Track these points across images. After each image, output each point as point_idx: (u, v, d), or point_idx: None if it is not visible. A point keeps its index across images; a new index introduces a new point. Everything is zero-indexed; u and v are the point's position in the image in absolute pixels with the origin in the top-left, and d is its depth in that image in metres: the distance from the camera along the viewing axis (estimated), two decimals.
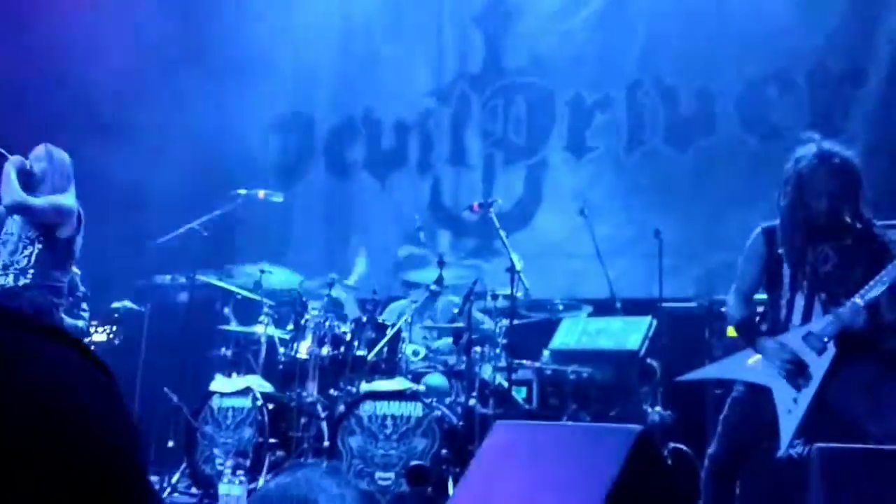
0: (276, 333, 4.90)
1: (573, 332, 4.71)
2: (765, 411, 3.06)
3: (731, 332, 4.41)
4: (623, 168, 6.17)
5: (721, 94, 5.99)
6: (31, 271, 4.17)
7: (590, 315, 4.92)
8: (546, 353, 4.66)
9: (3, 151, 4.23)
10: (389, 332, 4.51)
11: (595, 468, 2.47)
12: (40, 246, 4.21)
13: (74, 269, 5.31)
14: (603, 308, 5.00)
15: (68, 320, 5.11)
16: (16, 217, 4.25)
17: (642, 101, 6.20)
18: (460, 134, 6.80)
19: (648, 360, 4.56)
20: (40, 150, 4.36)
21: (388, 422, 4.31)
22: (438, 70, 6.92)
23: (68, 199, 4.27)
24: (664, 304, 4.83)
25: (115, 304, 5.94)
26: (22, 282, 4.16)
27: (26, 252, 4.20)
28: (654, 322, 4.57)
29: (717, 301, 4.56)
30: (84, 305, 5.34)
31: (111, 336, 5.99)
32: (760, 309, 4.11)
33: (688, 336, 4.72)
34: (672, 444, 4.31)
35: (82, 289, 5.44)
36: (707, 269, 5.68)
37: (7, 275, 4.17)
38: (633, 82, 6.23)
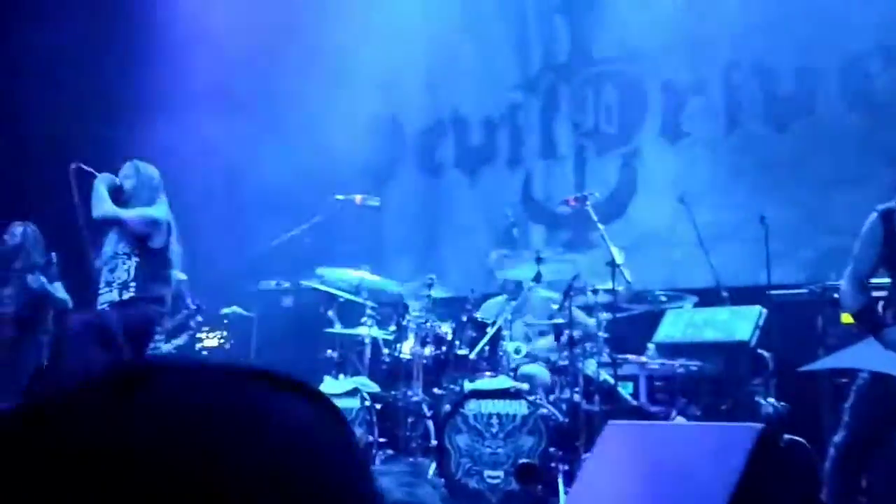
0: (380, 335, 4.99)
1: (678, 325, 4.61)
2: (892, 400, 2.94)
3: (845, 318, 4.25)
4: (721, 152, 6.00)
5: (821, 71, 5.74)
6: (133, 284, 4.38)
7: (695, 305, 4.80)
8: (651, 346, 4.58)
9: (91, 170, 4.44)
10: (490, 331, 4.53)
11: (716, 469, 2.42)
12: (137, 259, 4.41)
13: (181, 275, 5.54)
14: (708, 298, 4.87)
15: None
16: (111, 235, 4.46)
17: (738, 83, 6.01)
18: (550, 126, 6.75)
19: (759, 351, 4.42)
20: (129, 167, 4.56)
21: (494, 420, 4.32)
22: (524, 62, 6.88)
23: (157, 210, 4.46)
24: (772, 292, 4.68)
25: (225, 311, 6.17)
26: (126, 295, 4.37)
27: (125, 266, 4.41)
28: (764, 311, 4.43)
29: (829, 287, 4.40)
30: (199, 318, 5.57)
31: (222, 342, 6.23)
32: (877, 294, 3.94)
33: (799, 324, 4.56)
34: (788, 437, 4.18)
35: (189, 302, 5.64)
36: (816, 254, 5.48)
37: (112, 290, 4.38)
38: (728, 63, 6.05)
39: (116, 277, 4.39)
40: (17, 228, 5.45)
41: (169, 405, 0.45)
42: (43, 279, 5.37)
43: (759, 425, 2.45)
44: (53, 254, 5.52)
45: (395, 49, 7.08)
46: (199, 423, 0.44)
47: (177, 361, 0.50)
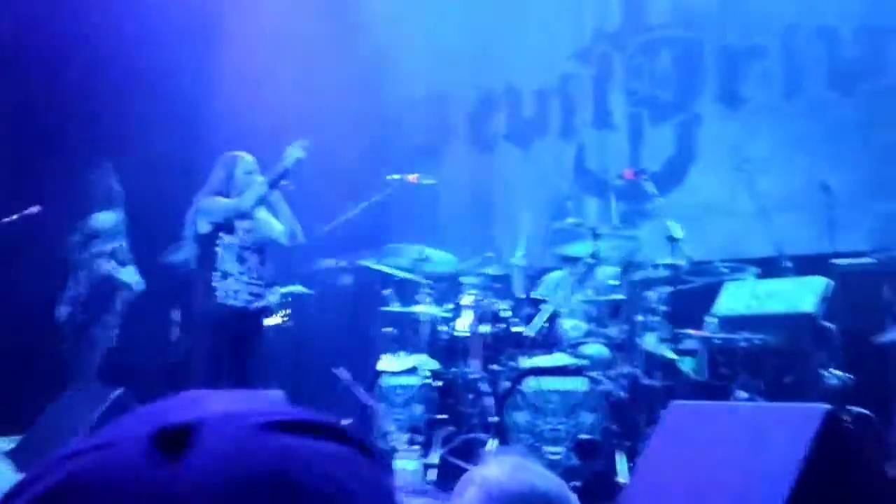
0: (437, 312, 5.03)
1: (740, 297, 4.53)
2: None
3: None
4: (783, 118, 5.83)
5: (887, 32, 5.52)
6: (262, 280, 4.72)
7: (756, 277, 4.72)
8: (712, 320, 4.51)
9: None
10: (548, 308, 4.52)
11: (781, 451, 2.39)
12: (260, 253, 4.71)
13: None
14: (770, 268, 4.78)
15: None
16: (224, 235, 4.59)
17: (800, 46, 5.82)
18: (603, 95, 6.64)
19: (824, 323, 4.33)
20: (246, 160, 4.74)
21: (554, 397, 4.33)
22: (576, 31, 6.77)
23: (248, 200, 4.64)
24: (837, 261, 4.56)
25: (286, 290, 6.27)
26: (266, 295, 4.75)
27: (256, 259, 4.68)
28: (830, 283, 4.33)
29: None
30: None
31: (285, 319, 6.35)
32: None
33: (865, 294, 4.45)
34: (855, 409, 4.10)
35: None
36: (882, 222, 5.31)
37: (258, 286, 4.66)
38: (789, 26, 5.85)
39: (251, 270, 4.61)
40: (100, 214, 5.58)
41: (212, 474, 0.46)
42: (112, 263, 5.53)
43: (825, 406, 2.41)
44: (123, 241, 5.67)
45: (444, 21, 7.03)
46: (242, 495, 0.45)
47: (218, 414, 0.50)
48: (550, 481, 1.30)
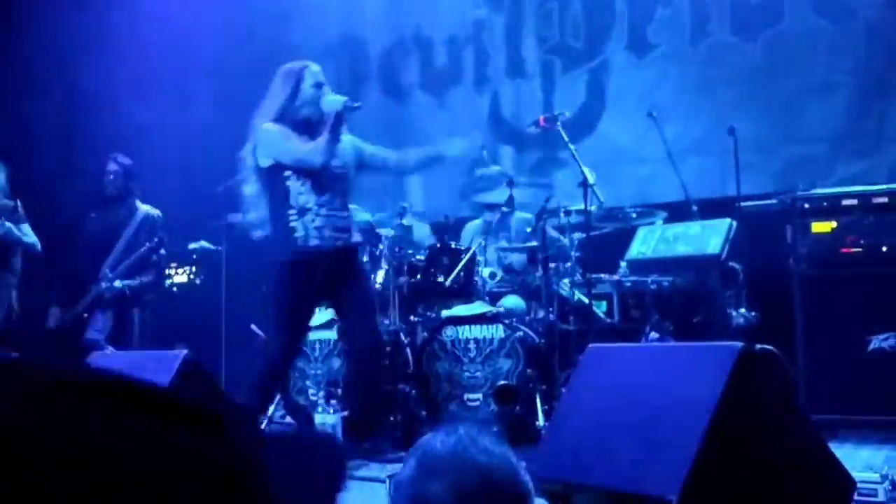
0: None
1: (650, 241, 4.62)
2: None
3: (816, 228, 4.29)
4: (689, 64, 5.92)
5: None
6: None
7: (665, 221, 4.82)
8: (623, 264, 4.60)
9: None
10: (464, 257, 4.51)
11: (697, 390, 2.44)
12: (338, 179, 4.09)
13: (158, 212, 5.45)
14: (678, 212, 4.88)
15: None
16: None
17: None
18: (515, 43, 6.59)
19: (730, 264, 4.46)
20: None
21: (472, 345, 4.36)
22: None
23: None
24: (742, 203, 4.69)
25: (192, 245, 6.07)
26: None
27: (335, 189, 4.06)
28: (734, 224, 4.45)
29: (799, 197, 4.42)
30: (162, 251, 5.48)
31: (192, 277, 6.15)
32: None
33: (770, 235, 4.59)
34: (760, 346, 4.26)
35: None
36: (786, 164, 5.49)
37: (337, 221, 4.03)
38: None
39: (332, 201, 3.96)
40: None
41: None
42: (8, 224, 5.27)
43: (738, 344, 2.47)
44: (18, 200, 5.41)
45: None
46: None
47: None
48: (494, 457, 1.26)
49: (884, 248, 4.09)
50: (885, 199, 4.15)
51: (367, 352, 4.06)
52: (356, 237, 4.12)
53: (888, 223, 4.10)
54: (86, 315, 5.25)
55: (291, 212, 3.88)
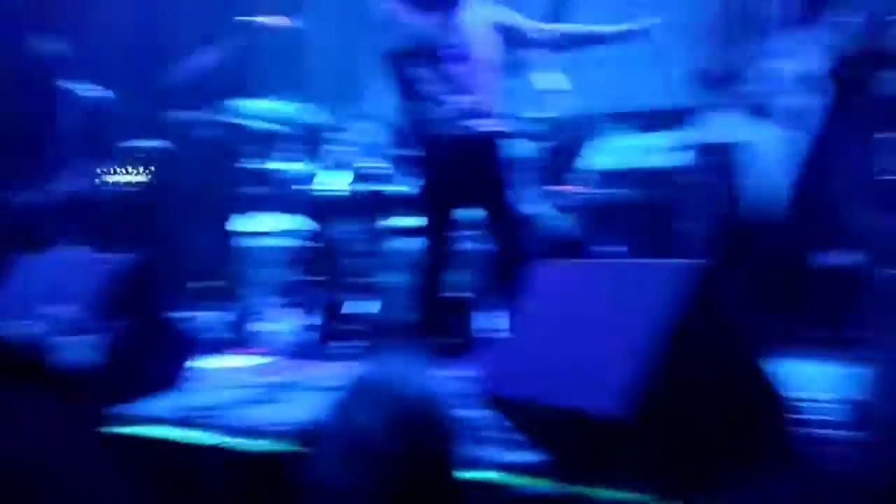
0: (307, 169, 4.76)
1: (612, 152, 4.52)
2: None
3: None
4: None
5: None
6: None
7: (631, 130, 4.68)
8: (584, 176, 4.49)
9: None
10: None
11: (648, 307, 2.37)
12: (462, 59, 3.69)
13: None
14: (647, 122, 4.72)
15: None
16: None
17: None
18: None
19: (691, 178, 4.37)
20: None
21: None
22: None
23: None
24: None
25: (137, 144, 5.77)
26: None
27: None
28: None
29: None
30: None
31: (137, 177, 5.87)
32: None
33: None
34: (706, 262, 4.22)
35: None
36: None
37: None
38: None
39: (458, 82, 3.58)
40: None
41: None
42: None
43: (699, 261, 2.40)
44: None
45: None
46: None
47: None
48: (424, 391, 1.30)
49: None
50: None
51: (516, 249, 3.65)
52: (495, 125, 3.64)
53: None
54: None
55: (420, 102, 3.53)
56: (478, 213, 3.78)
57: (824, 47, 2.94)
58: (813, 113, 2.95)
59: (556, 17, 4.26)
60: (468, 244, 4.17)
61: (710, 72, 3.24)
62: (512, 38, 3.71)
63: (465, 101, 3.48)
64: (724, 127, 3.13)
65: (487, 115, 3.55)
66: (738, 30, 3.25)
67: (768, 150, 3.02)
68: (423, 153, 3.58)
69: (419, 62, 3.47)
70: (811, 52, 2.98)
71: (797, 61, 3.03)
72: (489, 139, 3.58)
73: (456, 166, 3.51)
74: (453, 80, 3.46)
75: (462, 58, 3.51)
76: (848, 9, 2.92)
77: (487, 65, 3.60)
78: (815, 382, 3.16)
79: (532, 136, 4.48)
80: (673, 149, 4.17)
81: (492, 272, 3.95)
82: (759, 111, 3.06)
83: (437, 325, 3.71)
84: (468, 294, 4.13)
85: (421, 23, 3.43)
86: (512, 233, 3.63)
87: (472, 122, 3.50)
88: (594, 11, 5.57)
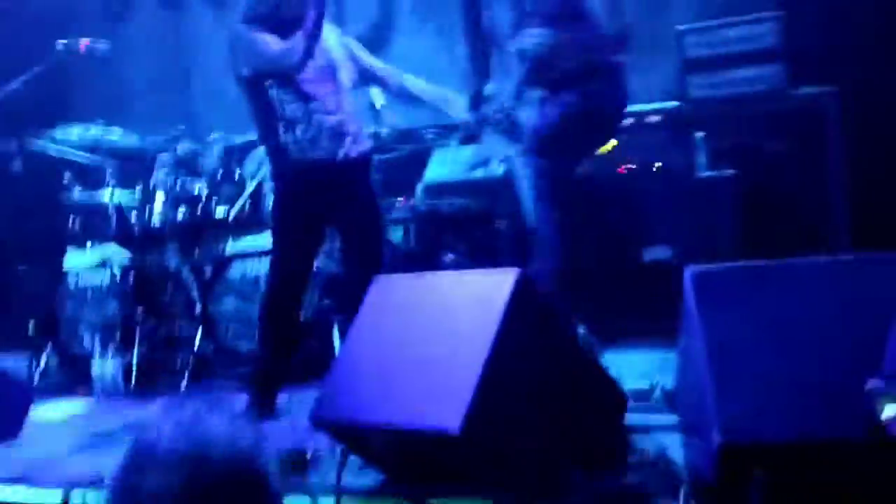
0: (125, 198, 4.50)
1: (445, 163, 4.53)
2: None
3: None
4: None
5: None
6: None
7: (461, 142, 4.73)
8: (419, 188, 4.49)
9: None
10: (250, 186, 4.21)
11: (476, 318, 2.39)
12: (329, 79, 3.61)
13: None
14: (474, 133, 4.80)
15: None
16: None
17: None
18: None
19: None
20: None
21: (262, 281, 4.11)
22: None
23: None
24: None
25: None
26: None
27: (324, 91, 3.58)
28: None
29: None
30: None
31: None
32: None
33: None
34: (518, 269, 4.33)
35: None
36: None
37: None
38: None
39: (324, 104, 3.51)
40: None
41: None
42: None
43: (515, 269, 2.42)
44: None
45: None
46: None
47: None
48: (226, 443, 1.06)
49: (657, 166, 4.22)
50: (658, 118, 4.27)
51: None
52: (363, 146, 3.60)
53: (661, 141, 4.23)
54: None
55: (281, 124, 3.40)
56: (339, 233, 3.76)
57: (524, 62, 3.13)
58: (530, 127, 3.14)
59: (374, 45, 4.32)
60: (328, 263, 4.08)
61: (473, 93, 3.43)
62: (363, 74, 3.74)
63: (329, 121, 3.46)
64: (493, 144, 3.29)
65: (352, 135, 3.54)
66: (480, 51, 3.46)
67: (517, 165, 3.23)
68: (283, 175, 3.50)
69: (281, 84, 3.40)
70: (518, 68, 3.17)
71: (511, 77, 3.21)
72: (355, 159, 3.56)
73: (320, 188, 3.46)
74: (316, 101, 3.44)
75: (325, 79, 3.49)
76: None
77: (348, 87, 3.62)
78: (640, 372, 3.29)
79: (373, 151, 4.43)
80: (476, 164, 4.30)
81: (348, 292, 3.89)
82: (506, 129, 3.26)
83: (288, 348, 3.60)
84: (328, 314, 4.04)
85: (281, 46, 3.34)
86: (371, 252, 3.59)
87: (336, 143, 3.48)
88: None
